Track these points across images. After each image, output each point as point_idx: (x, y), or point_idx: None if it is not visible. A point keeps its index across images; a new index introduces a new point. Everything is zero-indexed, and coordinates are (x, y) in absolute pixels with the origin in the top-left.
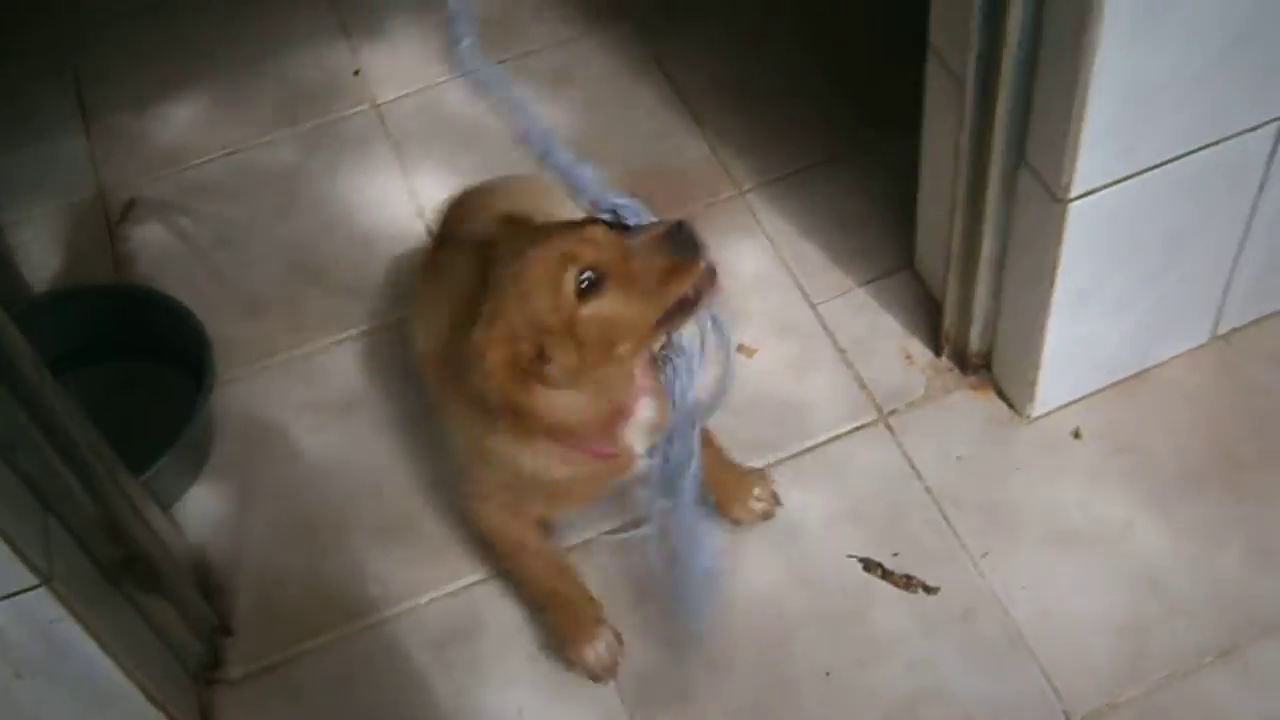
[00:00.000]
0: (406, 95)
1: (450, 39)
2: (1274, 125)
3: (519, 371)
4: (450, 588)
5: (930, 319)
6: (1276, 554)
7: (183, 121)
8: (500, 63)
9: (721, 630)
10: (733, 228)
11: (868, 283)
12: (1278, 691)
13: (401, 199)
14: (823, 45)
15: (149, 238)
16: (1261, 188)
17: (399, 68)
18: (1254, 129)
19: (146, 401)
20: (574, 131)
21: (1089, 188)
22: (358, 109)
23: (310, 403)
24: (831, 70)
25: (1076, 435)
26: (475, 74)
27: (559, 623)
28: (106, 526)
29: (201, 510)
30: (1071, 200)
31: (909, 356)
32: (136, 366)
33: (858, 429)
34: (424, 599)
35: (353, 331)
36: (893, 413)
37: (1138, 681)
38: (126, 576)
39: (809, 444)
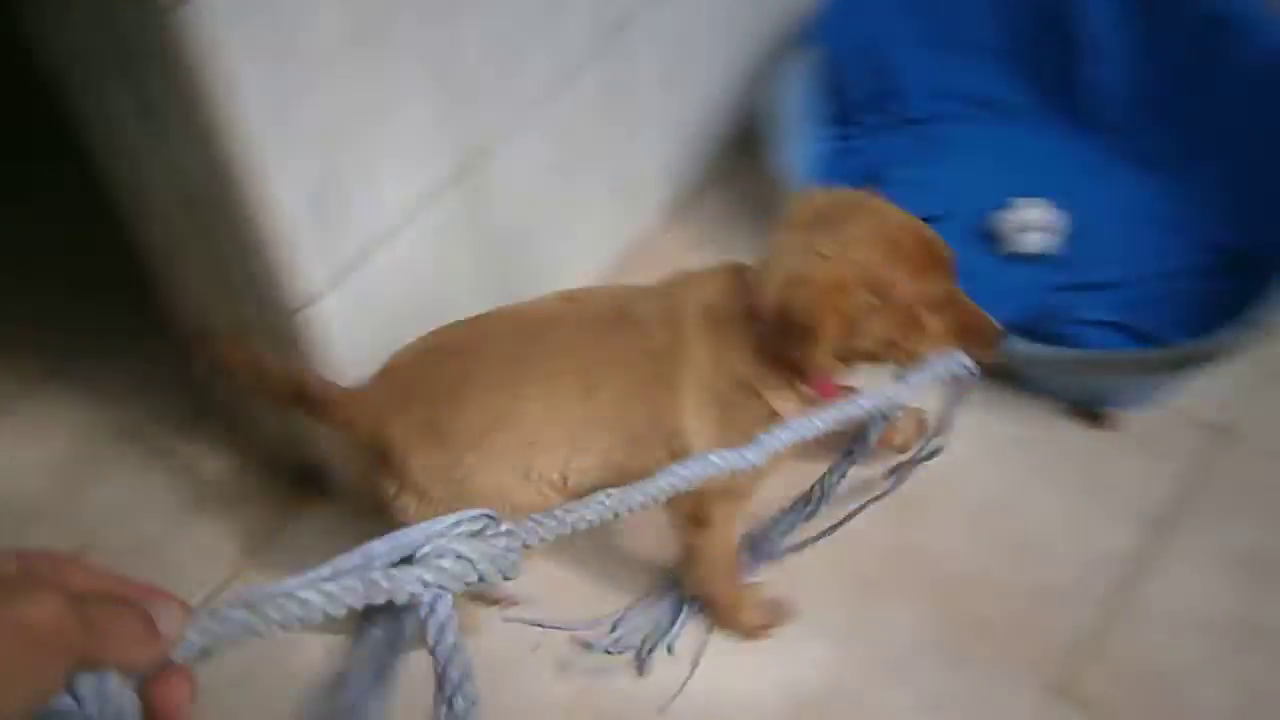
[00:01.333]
0: None
1: None
2: (432, 200)
3: (845, 317)
4: None
5: None
6: None
7: None
8: None
9: None
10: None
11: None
12: None
13: None
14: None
15: None
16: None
17: None
18: (434, 197)
19: None
20: None
21: (322, 297)
22: None
23: None
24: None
25: None
26: None
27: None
28: None
29: None
30: (307, 310)
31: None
32: None
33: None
34: None
35: None
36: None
37: None
38: None
39: None
